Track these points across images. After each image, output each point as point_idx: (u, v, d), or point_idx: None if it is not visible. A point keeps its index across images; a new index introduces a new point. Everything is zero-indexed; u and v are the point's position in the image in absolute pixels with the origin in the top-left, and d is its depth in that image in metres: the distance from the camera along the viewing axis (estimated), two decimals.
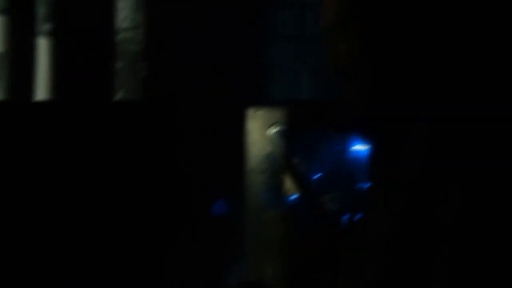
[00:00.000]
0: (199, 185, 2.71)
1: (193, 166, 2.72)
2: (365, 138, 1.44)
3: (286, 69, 2.97)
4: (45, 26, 2.55)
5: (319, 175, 2.23)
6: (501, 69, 1.25)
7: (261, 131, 2.27)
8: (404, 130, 1.26)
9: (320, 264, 2.15)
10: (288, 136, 2.24)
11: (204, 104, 2.74)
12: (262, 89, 2.89)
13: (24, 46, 2.52)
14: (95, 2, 2.55)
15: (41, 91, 2.57)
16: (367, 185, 1.65)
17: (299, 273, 2.21)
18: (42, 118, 2.46)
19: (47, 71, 2.55)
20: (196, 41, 2.73)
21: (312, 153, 2.23)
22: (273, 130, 2.25)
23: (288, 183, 2.23)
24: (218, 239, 2.65)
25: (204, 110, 2.74)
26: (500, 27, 1.25)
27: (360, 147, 2.17)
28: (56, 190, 2.45)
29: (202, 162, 2.72)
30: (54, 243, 2.44)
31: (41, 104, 2.55)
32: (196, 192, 2.71)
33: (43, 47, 2.54)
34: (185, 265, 2.67)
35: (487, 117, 1.19)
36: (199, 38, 2.73)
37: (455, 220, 1.13)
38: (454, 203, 1.14)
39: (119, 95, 2.66)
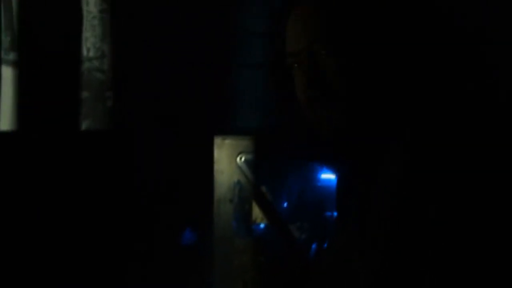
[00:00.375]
0: (167, 214, 2.70)
1: (160, 195, 2.71)
2: (332, 167, 1.44)
3: (254, 98, 2.97)
4: (10, 55, 2.53)
5: (287, 204, 2.22)
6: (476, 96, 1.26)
7: (228, 160, 2.26)
8: (376, 158, 1.26)
9: None
10: (256, 165, 2.24)
11: (171, 133, 2.73)
12: (230, 118, 2.89)
13: None
14: (60, 32, 2.54)
15: (6, 121, 2.55)
16: (335, 214, 1.65)
17: None
18: (6, 148, 2.43)
19: (11, 100, 2.53)
20: (163, 70, 2.73)
21: (280, 182, 2.23)
22: (241, 159, 2.25)
23: (256, 212, 2.23)
24: (187, 268, 2.64)
25: (171, 139, 2.73)
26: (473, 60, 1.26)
27: (327, 176, 2.17)
28: (19, 221, 2.43)
29: (169, 191, 2.71)
30: (15, 274, 2.42)
31: (5, 134, 2.53)
32: (164, 221, 2.70)
33: (7, 76, 2.53)
34: None
35: (463, 142, 1.19)
36: (165, 67, 2.73)
37: (434, 250, 1.13)
38: (433, 230, 1.14)
39: (85, 125, 2.65)
